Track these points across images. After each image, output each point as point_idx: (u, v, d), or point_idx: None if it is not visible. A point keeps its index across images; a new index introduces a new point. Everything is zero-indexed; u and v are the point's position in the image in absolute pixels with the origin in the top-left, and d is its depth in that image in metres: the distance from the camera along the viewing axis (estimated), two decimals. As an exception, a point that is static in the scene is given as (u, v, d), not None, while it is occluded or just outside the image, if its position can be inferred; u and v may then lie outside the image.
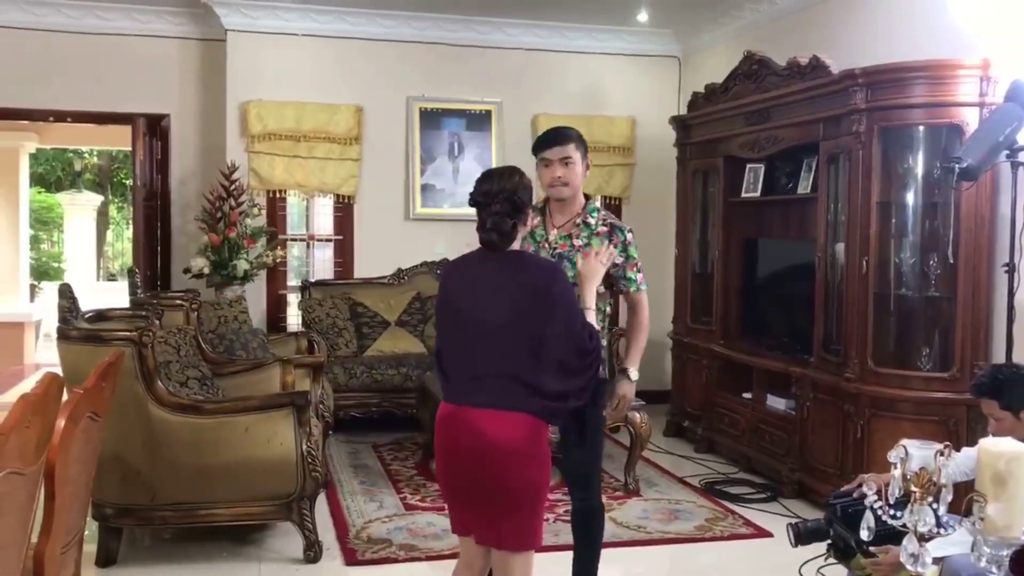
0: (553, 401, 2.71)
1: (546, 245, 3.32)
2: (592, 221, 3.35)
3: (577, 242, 3.31)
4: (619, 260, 3.33)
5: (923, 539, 1.79)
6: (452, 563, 3.07)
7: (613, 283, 3.41)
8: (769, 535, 4.54)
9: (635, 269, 3.39)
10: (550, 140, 3.32)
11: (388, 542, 4.36)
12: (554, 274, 2.83)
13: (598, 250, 3.17)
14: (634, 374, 3.43)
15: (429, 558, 4.17)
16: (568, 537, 3.61)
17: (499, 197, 2.76)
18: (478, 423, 2.68)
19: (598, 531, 3.43)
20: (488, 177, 2.84)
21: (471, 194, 2.83)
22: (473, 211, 2.85)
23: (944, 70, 4.42)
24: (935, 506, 1.77)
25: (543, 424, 2.74)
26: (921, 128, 4.58)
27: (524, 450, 2.68)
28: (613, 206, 7.53)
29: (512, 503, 2.70)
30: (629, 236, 3.38)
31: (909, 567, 1.81)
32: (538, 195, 3.22)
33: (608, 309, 3.47)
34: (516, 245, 2.82)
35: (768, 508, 4.97)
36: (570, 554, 3.46)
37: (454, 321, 2.86)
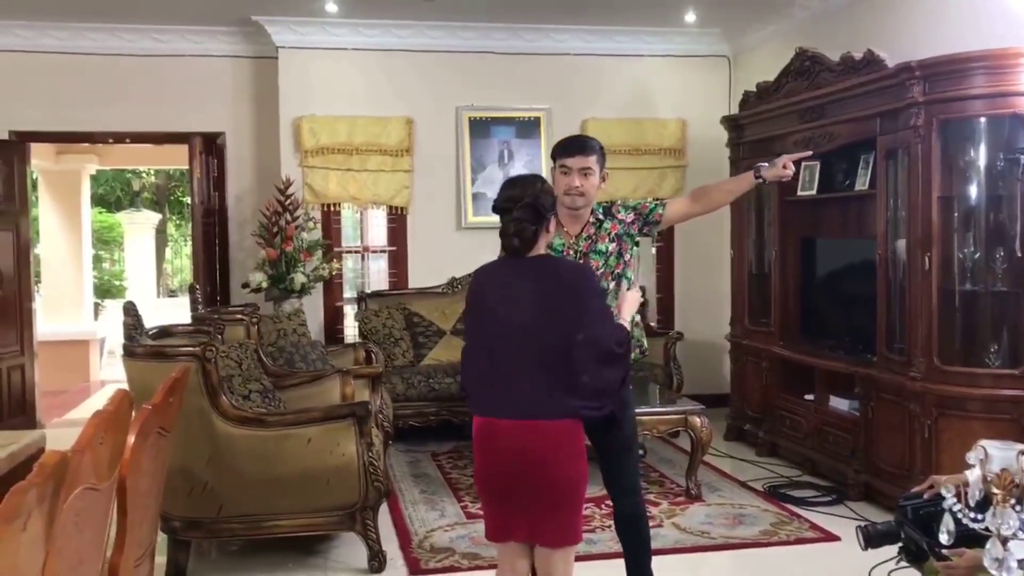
0: (588, 399, 2.73)
1: (569, 252, 3.31)
2: (600, 215, 3.38)
3: (593, 232, 3.35)
4: (629, 217, 3.38)
5: (1006, 542, 1.75)
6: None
7: (647, 229, 3.43)
8: (836, 539, 4.46)
9: (648, 203, 3.44)
10: (572, 148, 3.29)
11: (451, 551, 4.37)
12: (584, 272, 2.92)
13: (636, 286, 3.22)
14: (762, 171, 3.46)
15: (492, 566, 4.13)
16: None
17: (522, 203, 2.78)
18: (515, 434, 2.72)
19: (648, 533, 3.46)
20: (511, 184, 2.87)
21: (495, 201, 2.85)
22: None
23: (1005, 59, 4.31)
24: (1018, 508, 1.73)
25: (578, 423, 2.76)
26: (982, 119, 4.48)
27: (561, 454, 2.72)
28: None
29: (553, 502, 2.75)
30: (618, 204, 3.44)
31: (994, 572, 1.76)
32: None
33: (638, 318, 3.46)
34: (541, 251, 2.84)
35: (834, 511, 4.89)
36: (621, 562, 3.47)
37: (483, 329, 2.86)
